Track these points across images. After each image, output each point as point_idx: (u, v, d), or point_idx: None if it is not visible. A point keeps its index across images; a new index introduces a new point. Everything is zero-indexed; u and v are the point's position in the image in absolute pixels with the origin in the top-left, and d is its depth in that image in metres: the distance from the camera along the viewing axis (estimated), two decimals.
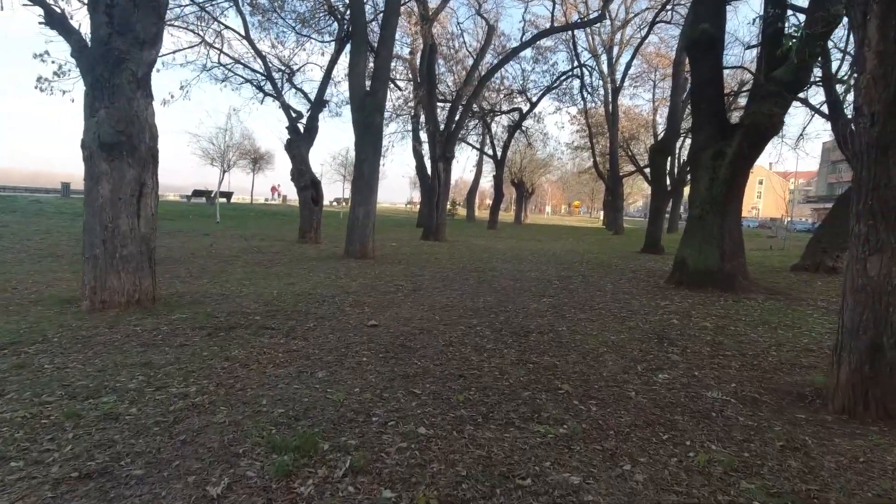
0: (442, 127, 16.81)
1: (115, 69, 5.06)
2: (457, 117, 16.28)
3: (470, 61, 19.17)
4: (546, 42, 25.54)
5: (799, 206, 63.47)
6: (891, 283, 3.19)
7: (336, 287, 7.37)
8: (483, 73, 16.45)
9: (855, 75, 3.51)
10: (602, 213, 49.44)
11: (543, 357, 4.42)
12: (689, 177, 29.07)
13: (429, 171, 17.00)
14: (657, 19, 21.85)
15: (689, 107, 16.68)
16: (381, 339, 4.74)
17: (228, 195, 33.12)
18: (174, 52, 14.00)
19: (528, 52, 39.98)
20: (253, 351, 4.19)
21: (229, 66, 14.72)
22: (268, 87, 15.23)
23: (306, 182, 13.90)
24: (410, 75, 22.85)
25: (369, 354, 4.25)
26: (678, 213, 33.51)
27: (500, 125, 29.18)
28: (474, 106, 25.20)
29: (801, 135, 13.59)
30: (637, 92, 45.15)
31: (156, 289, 5.71)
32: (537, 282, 8.77)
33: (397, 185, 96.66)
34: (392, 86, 19.23)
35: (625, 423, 3.11)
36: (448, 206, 44.15)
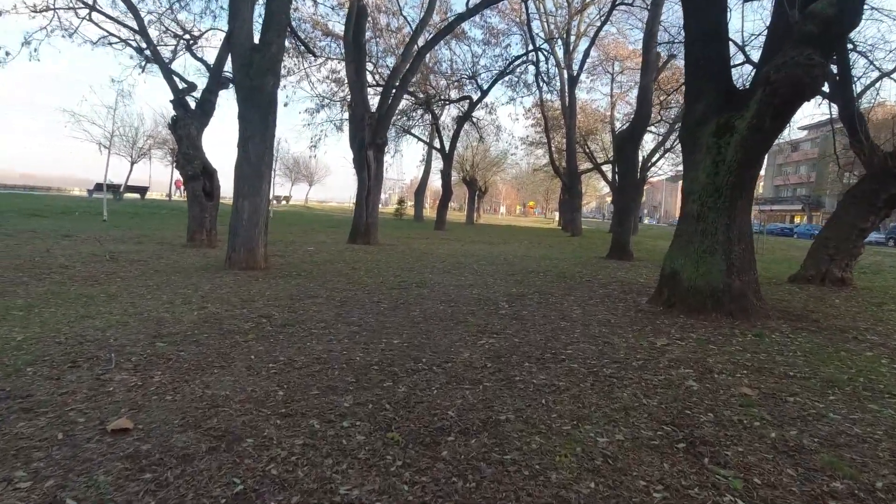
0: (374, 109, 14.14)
1: None
2: (391, 97, 13.63)
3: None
4: (499, 24, 23.38)
5: None
6: None
7: (153, 322, 4.61)
8: (422, 45, 13.91)
9: None
10: (557, 213, 47.89)
11: None
12: (642, 174, 27.35)
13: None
14: (618, 2, 19.95)
15: (646, 93, 14.85)
16: (98, 479, 2.06)
17: (142, 190, 29.15)
18: None
19: (478, 34, 37.75)
20: None
21: (80, 12, 11.48)
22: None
23: (195, 170, 10.94)
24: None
25: None
26: (638, 214, 32.05)
27: (448, 115, 26.79)
28: (419, 92, 22.69)
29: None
30: (594, 85, 43.84)
31: None
32: (478, 305, 6.28)
33: (345, 183, 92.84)
34: (308, 55, 16.40)
35: None
36: (396, 205, 41.53)
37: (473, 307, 6.13)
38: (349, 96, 20.76)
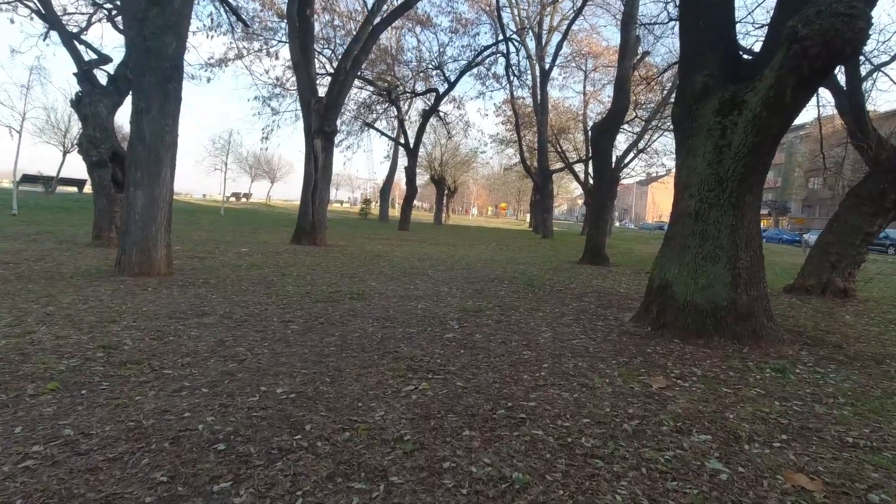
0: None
1: None
2: (342, 80, 12.13)
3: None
4: (467, 13, 22.14)
5: None
6: None
7: None
8: (377, 22, 12.45)
9: None
10: (529, 214, 46.95)
11: None
12: (615, 174, 26.45)
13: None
14: None
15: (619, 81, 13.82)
16: None
17: (80, 183, 26.73)
18: None
19: (444, 22, 36.49)
20: None
21: None
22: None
23: (102, 156, 9.25)
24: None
25: None
26: (613, 216, 31.21)
27: (415, 110, 25.40)
28: (380, 81, 21.23)
29: None
30: (567, 83, 42.83)
31: None
32: (421, 325, 4.90)
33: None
34: (241, 24, 14.78)
35: None
36: (361, 204, 39.86)
37: (413, 328, 4.74)
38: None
